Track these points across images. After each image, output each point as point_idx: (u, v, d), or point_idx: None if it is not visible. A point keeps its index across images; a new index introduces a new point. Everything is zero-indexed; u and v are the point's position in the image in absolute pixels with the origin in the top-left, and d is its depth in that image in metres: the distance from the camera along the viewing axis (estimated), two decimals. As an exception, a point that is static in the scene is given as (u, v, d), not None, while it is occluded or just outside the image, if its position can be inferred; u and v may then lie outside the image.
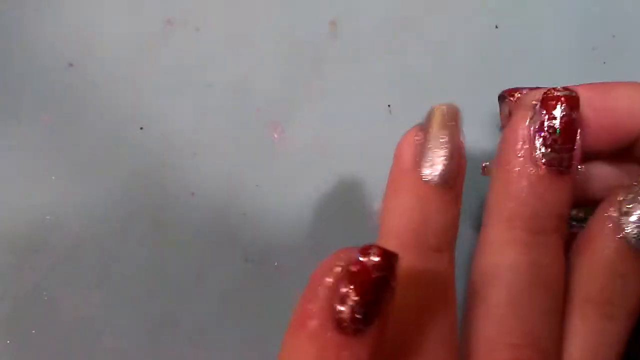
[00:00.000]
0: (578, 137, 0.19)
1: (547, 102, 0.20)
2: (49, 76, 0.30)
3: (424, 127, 0.20)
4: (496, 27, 0.30)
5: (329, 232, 0.29)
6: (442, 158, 0.19)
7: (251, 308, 0.28)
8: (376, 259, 0.15)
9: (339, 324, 0.15)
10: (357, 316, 0.15)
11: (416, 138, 0.20)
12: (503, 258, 0.19)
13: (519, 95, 0.22)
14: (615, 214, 0.20)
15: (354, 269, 0.15)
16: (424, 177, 0.19)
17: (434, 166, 0.19)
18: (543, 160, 0.19)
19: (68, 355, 0.28)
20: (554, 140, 0.19)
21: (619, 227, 0.19)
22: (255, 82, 0.30)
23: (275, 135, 0.30)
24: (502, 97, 0.22)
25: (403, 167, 0.20)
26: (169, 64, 0.30)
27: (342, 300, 0.15)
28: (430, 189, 0.19)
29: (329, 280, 0.16)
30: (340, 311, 0.15)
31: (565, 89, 0.20)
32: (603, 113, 0.20)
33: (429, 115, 0.20)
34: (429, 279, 0.19)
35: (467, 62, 0.30)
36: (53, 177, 0.30)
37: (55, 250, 0.29)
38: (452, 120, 0.20)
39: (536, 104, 0.20)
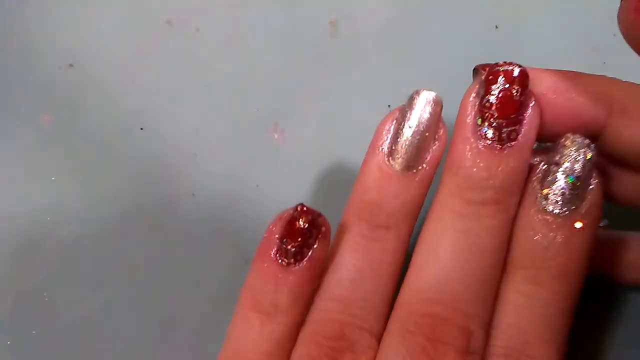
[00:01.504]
0: (527, 114, 0.20)
1: (488, 76, 0.20)
2: (49, 76, 0.30)
3: (403, 110, 0.22)
4: (496, 27, 0.30)
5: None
6: (408, 143, 0.21)
7: (251, 308, 0.28)
8: (305, 214, 0.21)
9: (277, 258, 0.21)
10: (290, 254, 0.21)
11: (394, 120, 0.22)
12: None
13: None
14: (536, 185, 0.21)
15: (287, 220, 0.21)
16: (388, 160, 0.21)
17: (398, 150, 0.21)
18: (480, 133, 0.20)
19: (68, 355, 0.28)
20: (491, 114, 0.20)
21: (540, 200, 0.20)
22: (255, 82, 0.30)
23: (275, 135, 0.30)
24: (476, 71, 0.22)
25: (374, 145, 0.22)
26: (169, 64, 0.30)
27: (281, 242, 0.21)
28: (391, 172, 0.21)
29: (273, 229, 0.21)
30: (278, 250, 0.21)
31: (510, 63, 0.20)
32: (566, 97, 0.21)
33: (409, 99, 0.21)
34: (368, 250, 0.21)
35: (467, 62, 0.30)
36: (53, 177, 0.30)
37: (56, 250, 0.29)
38: (431, 108, 0.21)
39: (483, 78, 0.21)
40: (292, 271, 0.21)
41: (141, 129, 0.30)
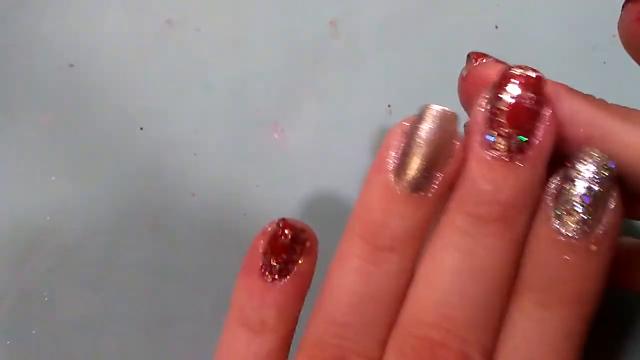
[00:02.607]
0: (542, 124, 0.18)
1: (501, 80, 0.19)
2: (49, 76, 0.30)
3: (413, 125, 0.20)
4: (496, 27, 0.30)
5: (328, 232, 0.29)
6: (417, 165, 0.19)
7: (251, 308, 0.28)
8: (286, 230, 0.21)
9: (262, 274, 0.21)
10: (274, 270, 0.21)
11: (403, 134, 0.20)
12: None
13: (484, 60, 0.21)
14: (549, 203, 0.19)
15: (270, 236, 0.21)
16: (395, 180, 0.19)
17: (407, 170, 0.19)
18: (489, 143, 0.19)
19: (68, 355, 0.28)
20: (501, 123, 0.18)
21: (553, 220, 0.19)
22: (255, 82, 0.30)
23: (275, 136, 0.30)
24: (469, 57, 0.21)
25: (380, 161, 0.20)
26: (169, 64, 0.30)
27: (265, 257, 0.21)
28: (397, 193, 0.19)
29: (257, 244, 0.21)
30: (263, 266, 0.21)
31: (524, 67, 0.19)
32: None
33: (420, 114, 0.19)
34: (371, 274, 0.20)
35: (467, 62, 0.30)
36: (53, 177, 0.30)
37: (56, 250, 0.29)
38: (446, 124, 0.19)
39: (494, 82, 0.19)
40: (278, 287, 0.21)
41: (141, 129, 0.30)
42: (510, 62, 0.30)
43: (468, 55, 0.21)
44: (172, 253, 0.29)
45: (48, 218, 0.29)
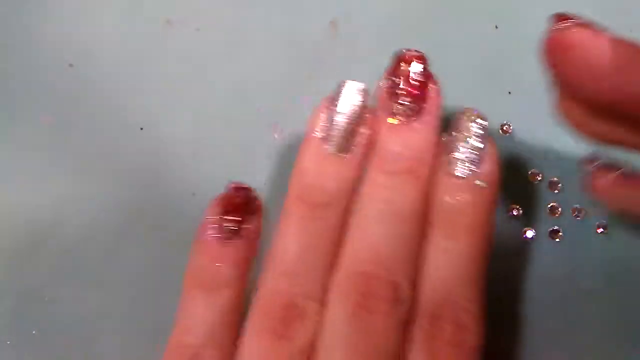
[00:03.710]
0: (429, 93, 0.23)
1: (395, 61, 0.24)
2: (49, 76, 0.30)
3: (333, 99, 0.24)
4: (496, 27, 0.30)
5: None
6: (339, 129, 0.23)
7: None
8: (238, 191, 0.24)
9: (216, 236, 0.23)
10: (227, 229, 0.23)
11: (324, 111, 0.24)
12: None
13: (567, 22, 0.22)
14: (443, 154, 0.24)
15: (224, 198, 0.24)
16: (323, 144, 0.24)
17: (331, 135, 0.24)
18: (391, 111, 0.24)
19: (68, 356, 0.28)
20: (399, 94, 0.23)
21: (446, 167, 0.23)
22: (255, 82, 0.30)
23: (276, 136, 0.30)
24: (554, 17, 0.22)
25: (307, 136, 0.24)
26: (168, 64, 0.30)
27: (219, 220, 0.23)
28: (326, 156, 0.24)
29: (210, 210, 0.24)
30: (216, 227, 0.23)
31: (410, 50, 0.24)
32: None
33: (337, 88, 0.24)
34: (310, 228, 0.23)
35: (467, 62, 0.30)
36: (53, 177, 0.30)
37: (56, 250, 0.29)
38: (359, 96, 0.24)
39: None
40: (231, 245, 0.23)
41: (141, 129, 0.30)
42: (511, 62, 0.30)
43: (553, 16, 0.22)
44: (172, 253, 0.29)
45: (48, 218, 0.29)
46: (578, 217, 0.28)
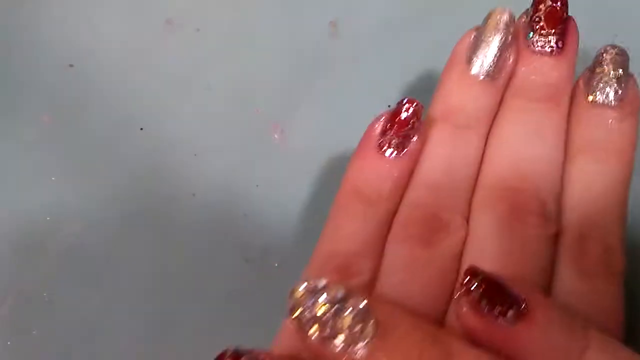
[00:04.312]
0: (569, 26, 0.24)
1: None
2: (49, 76, 0.30)
3: (479, 28, 0.24)
4: (496, 27, 0.30)
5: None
6: (488, 53, 0.24)
7: (251, 308, 0.28)
8: (409, 105, 0.23)
9: (380, 150, 0.23)
10: (393, 145, 0.23)
11: (471, 38, 0.24)
12: None
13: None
14: (584, 85, 0.24)
15: (395, 117, 0.23)
16: (469, 69, 0.24)
17: (478, 61, 0.24)
18: (533, 43, 0.24)
19: (68, 356, 0.28)
20: (541, 27, 0.24)
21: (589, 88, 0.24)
22: (255, 83, 0.30)
23: (276, 136, 0.30)
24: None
25: (453, 61, 0.24)
26: (168, 64, 0.30)
27: (384, 135, 0.24)
28: (471, 79, 0.24)
29: (375, 126, 0.24)
30: (381, 142, 0.23)
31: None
32: None
33: (485, 18, 0.24)
34: (455, 145, 0.24)
35: (467, 62, 0.30)
36: (53, 177, 0.30)
37: (55, 251, 0.29)
38: (505, 23, 0.24)
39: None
40: (396, 161, 0.23)
41: (141, 129, 0.30)
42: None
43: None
44: (172, 253, 0.29)
45: (48, 218, 0.29)
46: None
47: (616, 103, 0.24)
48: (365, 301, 0.19)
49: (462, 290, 0.20)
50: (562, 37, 0.24)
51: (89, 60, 0.30)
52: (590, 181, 0.23)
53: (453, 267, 0.22)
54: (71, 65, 0.30)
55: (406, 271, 0.22)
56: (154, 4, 0.31)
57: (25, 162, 0.30)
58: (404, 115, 0.23)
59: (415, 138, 0.23)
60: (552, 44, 0.24)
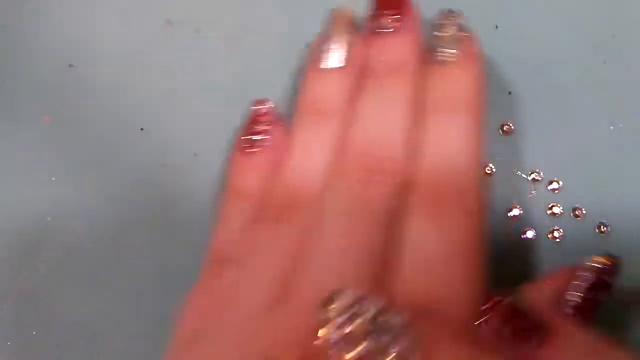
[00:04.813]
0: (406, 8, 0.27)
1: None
2: (49, 76, 0.30)
3: (326, 26, 0.28)
4: (496, 27, 0.30)
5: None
6: (333, 48, 0.27)
7: (251, 308, 0.28)
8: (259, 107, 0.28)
9: (245, 149, 0.28)
10: (249, 141, 0.28)
11: (319, 42, 0.28)
12: None
13: None
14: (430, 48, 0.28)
15: (251, 119, 0.28)
16: (320, 64, 0.27)
17: (326, 55, 0.27)
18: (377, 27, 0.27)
19: (68, 356, 0.28)
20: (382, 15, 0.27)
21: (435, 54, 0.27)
22: (255, 82, 0.30)
23: (275, 136, 0.30)
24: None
25: (308, 59, 0.28)
26: (168, 64, 0.30)
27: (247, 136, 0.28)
28: (324, 71, 0.27)
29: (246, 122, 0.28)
30: (245, 142, 0.28)
31: None
32: None
33: (329, 16, 0.28)
34: (314, 132, 0.27)
35: (467, 62, 0.30)
36: (53, 177, 0.30)
37: (55, 251, 0.29)
38: (345, 19, 0.27)
39: None
40: (257, 156, 0.28)
41: (141, 129, 0.30)
42: (511, 62, 0.30)
43: None
44: (172, 253, 0.29)
45: (48, 218, 0.29)
46: (578, 217, 0.28)
47: (456, 60, 0.26)
48: (405, 315, 0.20)
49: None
50: (399, 16, 0.27)
51: (89, 60, 0.30)
52: (442, 133, 0.25)
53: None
54: (71, 65, 0.30)
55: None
56: (154, 4, 0.31)
57: (25, 162, 0.30)
58: (258, 114, 0.28)
59: (272, 132, 0.27)
60: (391, 24, 0.27)
